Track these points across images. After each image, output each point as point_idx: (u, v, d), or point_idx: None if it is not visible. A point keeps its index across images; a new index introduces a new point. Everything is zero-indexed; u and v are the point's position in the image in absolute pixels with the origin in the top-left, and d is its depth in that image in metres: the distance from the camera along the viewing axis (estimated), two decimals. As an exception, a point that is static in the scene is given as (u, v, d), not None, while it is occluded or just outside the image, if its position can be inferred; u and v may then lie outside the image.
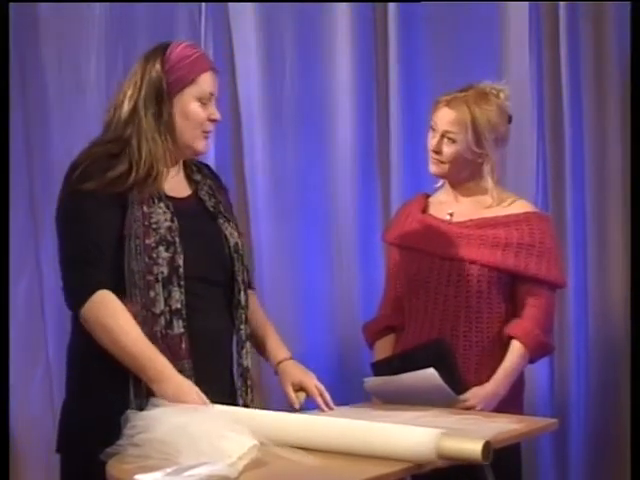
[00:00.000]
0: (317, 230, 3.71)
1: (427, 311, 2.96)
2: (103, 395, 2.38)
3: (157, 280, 2.36)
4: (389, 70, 3.69)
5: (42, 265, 3.40)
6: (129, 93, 2.44)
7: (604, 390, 3.70)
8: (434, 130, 2.96)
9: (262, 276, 3.55)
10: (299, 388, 2.58)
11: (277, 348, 2.64)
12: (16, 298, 3.34)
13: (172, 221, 2.40)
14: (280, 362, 2.62)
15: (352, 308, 3.67)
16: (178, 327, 2.37)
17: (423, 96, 3.54)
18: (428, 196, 3.12)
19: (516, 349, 2.89)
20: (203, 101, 2.47)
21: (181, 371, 2.33)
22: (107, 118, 2.48)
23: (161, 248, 2.37)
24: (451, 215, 3.01)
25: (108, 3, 3.48)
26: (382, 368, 2.88)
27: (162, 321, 2.36)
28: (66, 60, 3.47)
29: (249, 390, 2.54)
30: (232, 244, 2.53)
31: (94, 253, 2.35)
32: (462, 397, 2.80)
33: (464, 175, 2.98)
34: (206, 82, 2.47)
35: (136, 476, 1.94)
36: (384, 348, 3.06)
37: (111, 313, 2.32)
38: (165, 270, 2.37)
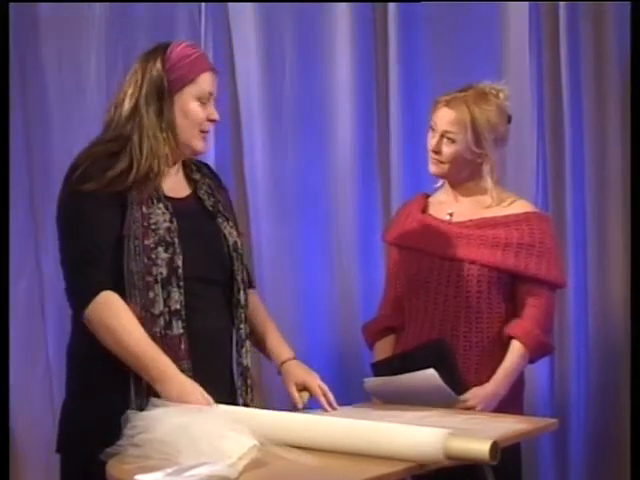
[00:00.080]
0: (317, 230, 3.71)
1: (427, 311, 2.96)
2: (103, 395, 2.38)
3: (156, 281, 2.36)
4: (389, 70, 3.69)
5: (42, 265, 3.41)
6: (130, 91, 2.45)
7: (604, 390, 3.70)
8: (434, 130, 2.96)
9: (262, 276, 3.54)
10: (302, 388, 2.59)
11: (280, 348, 2.64)
12: (16, 298, 3.34)
13: (171, 222, 2.40)
14: (284, 362, 2.62)
15: (352, 308, 3.67)
16: (177, 328, 2.37)
17: (423, 96, 3.54)
18: (428, 196, 3.12)
19: (516, 349, 2.89)
20: (202, 101, 2.47)
21: (180, 371, 2.33)
22: (107, 118, 2.49)
23: (160, 249, 2.37)
24: (451, 215, 3.01)
25: (108, 3, 3.48)
26: (382, 368, 2.88)
27: (161, 322, 2.36)
28: (66, 60, 3.47)
29: (249, 389, 2.54)
30: (231, 243, 2.53)
31: (96, 253, 2.35)
32: (462, 397, 2.80)
33: (464, 175, 2.98)
34: (206, 82, 2.48)
35: (136, 476, 1.94)
36: (384, 348, 3.06)
37: (114, 314, 2.32)
38: (164, 271, 2.37)
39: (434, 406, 2.65)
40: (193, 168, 2.59)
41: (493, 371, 2.88)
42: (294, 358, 2.63)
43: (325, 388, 2.58)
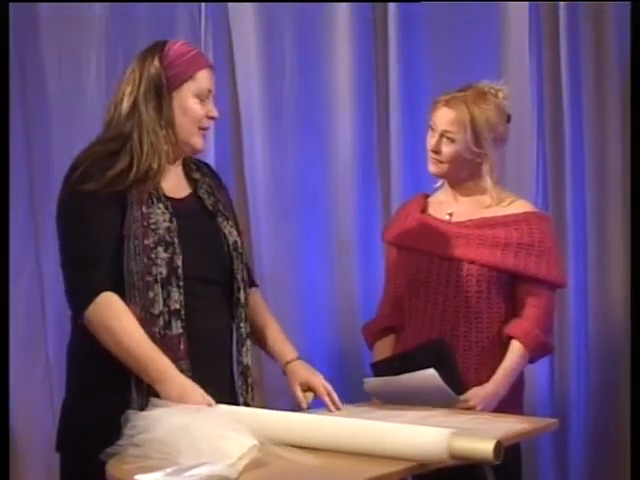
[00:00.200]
0: (317, 230, 3.71)
1: (427, 311, 2.96)
2: (103, 395, 2.38)
3: (156, 281, 2.36)
4: (389, 70, 3.69)
5: (42, 265, 3.40)
6: (128, 90, 2.45)
7: (604, 390, 3.70)
8: (433, 130, 2.96)
9: (262, 275, 3.53)
10: (307, 388, 2.59)
11: (284, 348, 2.64)
12: (16, 298, 3.33)
13: (171, 221, 2.40)
14: (288, 362, 2.62)
15: (352, 308, 3.67)
16: (177, 327, 2.37)
17: (423, 96, 3.54)
18: (427, 196, 3.12)
19: (516, 349, 2.89)
20: (201, 98, 2.48)
21: (179, 371, 2.33)
22: (107, 117, 2.49)
23: (160, 249, 2.37)
24: (450, 215, 3.01)
25: (108, 3, 3.48)
26: (382, 368, 2.88)
27: (161, 322, 2.36)
28: (66, 60, 3.47)
29: (250, 388, 2.54)
30: (231, 242, 2.53)
31: (96, 254, 2.35)
32: (462, 397, 2.80)
33: (463, 175, 2.98)
34: (204, 79, 2.48)
35: (136, 476, 1.94)
36: (384, 348, 3.06)
37: (115, 315, 2.32)
38: (164, 271, 2.37)
39: (434, 406, 2.65)
40: (193, 167, 2.59)
41: (493, 371, 2.88)
42: (298, 358, 2.63)
43: (329, 388, 2.59)
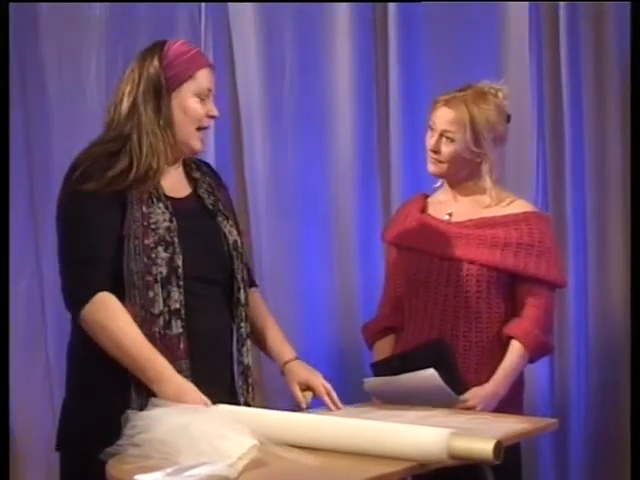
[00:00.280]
0: (317, 230, 3.71)
1: (427, 311, 2.96)
2: (103, 395, 2.38)
3: (156, 280, 2.36)
4: (389, 70, 3.69)
5: (42, 265, 3.40)
6: (127, 90, 2.45)
7: (604, 390, 3.70)
8: (432, 129, 2.96)
9: (262, 275, 3.54)
10: (306, 387, 2.59)
11: (282, 348, 2.64)
12: (16, 298, 3.33)
13: (171, 221, 2.40)
14: (286, 362, 2.62)
15: (352, 307, 3.67)
16: (176, 327, 2.37)
17: (423, 96, 3.54)
18: (427, 196, 3.12)
19: (516, 349, 2.89)
20: (201, 97, 2.48)
21: (179, 371, 2.33)
22: (107, 118, 2.49)
23: (160, 248, 2.37)
24: (450, 215, 3.01)
25: (108, 3, 3.48)
26: (382, 368, 2.88)
27: (161, 321, 2.36)
28: (66, 60, 3.47)
29: (250, 388, 2.54)
30: (231, 242, 2.53)
31: (94, 253, 2.35)
32: (462, 397, 2.79)
33: (462, 174, 2.98)
34: (204, 78, 2.48)
35: (136, 476, 1.94)
36: (384, 348, 3.06)
37: (111, 315, 2.32)
38: (164, 270, 2.37)
39: (434, 406, 2.65)
40: (193, 167, 2.59)
41: (493, 371, 2.88)
42: (296, 358, 2.63)
43: (329, 387, 2.59)
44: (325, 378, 2.61)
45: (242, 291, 2.54)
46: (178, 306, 2.38)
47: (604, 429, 3.70)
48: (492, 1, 3.69)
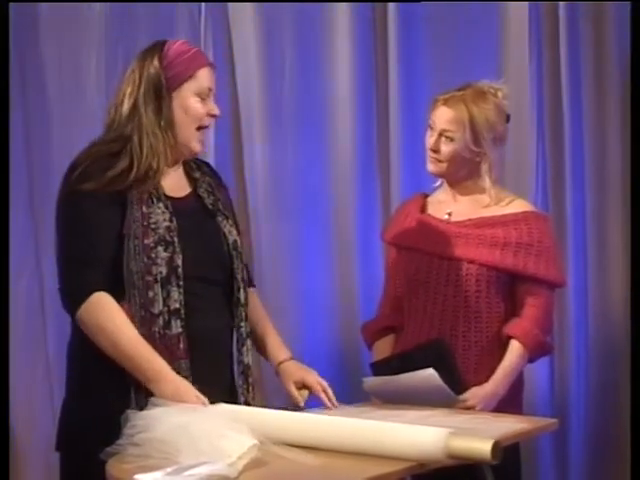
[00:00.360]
0: (317, 230, 3.71)
1: (426, 311, 2.96)
2: (103, 394, 2.38)
3: (156, 280, 2.36)
4: (389, 70, 3.69)
5: (42, 265, 3.40)
6: (128, 91, 2.45)
7: (604, 390, 3.70)
8: (432, 129, 2.96)
9: (262, 275, 3.54)
10: (301, 386, 2.59)
11: (277, 349, 2.64)
12: (16, 298, 3.33)
13: (171, 221, 2.40)
14: (280, 363, 2.62)
15: (352, 307, 3.67)
16: (176, 327, 2.37)
17: (423, 96, 3.53)
18: (426, 196, 3.12)
19: (515, 349, 2.89)
20: (202, 96, 2.48)
21: (178, 371, 2.34)
22: (108, 119, 2.49)
23: (160, 248, 2.37)
24: (449, 214, 3.01)
25: (108, 3, 3.48)
26: (381, 368, 2.88)
27: (160, 321, 2.36)
28: (66, 60, 3.47)
29: (250, 388, 2.54)
30: (231, 242, 2.53)
31: (92, 253, 2.35)
32: (461, 397, 2.79)
33: (462, 174, 2.98)
34: (204, 77, 2.48)
35: (136, 476, 1.94)
36: (383, 348, 3.06)
37: (108, 315, 2.33)
38: (164, 270, 2.37)
39: (434, 406, 2.65)
40: (193, 166, 2.59)
41: (492, 371, 2.88)
42: (291, 359, 2.63)
43: (324, 384, 2.59)
44: (325, 377, 2.61)
45: (242, 291, 2.54)
46: (178, 306, 2.38)
47: (604, 429, 3.71)
48: (492, 1, 3.69)
